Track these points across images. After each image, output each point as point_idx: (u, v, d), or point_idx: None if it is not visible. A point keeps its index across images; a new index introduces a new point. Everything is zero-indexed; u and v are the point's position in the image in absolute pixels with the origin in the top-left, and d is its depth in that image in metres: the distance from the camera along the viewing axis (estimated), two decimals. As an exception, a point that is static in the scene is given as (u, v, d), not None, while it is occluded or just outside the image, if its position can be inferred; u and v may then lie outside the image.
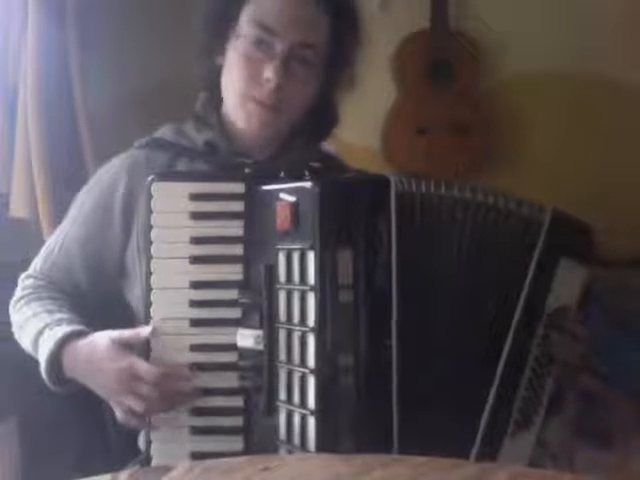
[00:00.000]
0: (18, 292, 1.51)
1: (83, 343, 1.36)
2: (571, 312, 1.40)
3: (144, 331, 1.32)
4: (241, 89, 1.43)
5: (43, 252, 1.53)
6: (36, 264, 1.53)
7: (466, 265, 1.30)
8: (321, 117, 1.51)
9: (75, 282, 1.49)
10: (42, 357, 1.38)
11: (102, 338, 1.34)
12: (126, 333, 1.34)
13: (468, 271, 1.30)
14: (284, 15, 1.41)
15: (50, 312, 1.43)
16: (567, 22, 2.76)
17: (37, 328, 1.41)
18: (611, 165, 2.81)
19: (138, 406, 1.30)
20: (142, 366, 1.30)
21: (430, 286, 1.28)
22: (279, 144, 1.48)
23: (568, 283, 1.38)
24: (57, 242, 1.51)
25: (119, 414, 1.33)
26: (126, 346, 1.32)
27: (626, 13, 2.75)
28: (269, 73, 1.39)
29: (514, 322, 1.31)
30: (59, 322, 1.40)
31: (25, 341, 1.44)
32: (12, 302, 1.50)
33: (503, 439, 1.33)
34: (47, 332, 1.39)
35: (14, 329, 1.49)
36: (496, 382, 1.30)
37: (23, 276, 1.53)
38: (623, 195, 2.78)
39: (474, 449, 1.29)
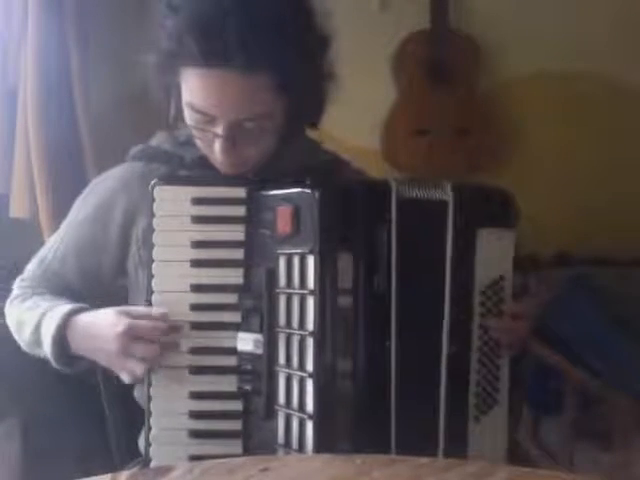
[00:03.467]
0: (15, 292, 1.51)
1: (86, 315, 1.37)
2: (507, 282, 1.38)
3: (155, 311, 1.31)
4: (201, 148, 1.37)
5: (36, 260, 1.52)
6: (29, 270, 1.53)
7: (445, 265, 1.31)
8: (309, 106, 1.41)
9: (70, 289, 1.49)
10: (46, 337, 1.37)
11: (106, 309, 1.35)
12: (134, 307, 1.34)
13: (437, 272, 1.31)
14: (213, 99, 1.28)
15: (50, 301, 1.43)
16: (567, 22, 2.76)
17: (39, 314, 1.41)
18: (611, 164, 2.81)
19: (140, 368, 1.30)
20: (143, 324, 1.29)
21: (428, 290, 1.29)
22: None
23: (495, 253, 1.36)
24: (51, 251, 1.50)
25: (125, 377, 1.33)
26: (127, 313, 1.32)
27: (626, 13, 2.75)
28: (217, 151, 1.32)
29: (445, 308, 1.30)
30: (61, 305, 1.40)
31: (26, 331, 1.43)
32: (8, 302, 1.50)
33: (466, 427, 1.33)
34: (49, 314, 1.39)
35: (12, 324, 1.48)
36: (442, 372, 1.30)
37: (19, 279, 1.53)
38: (623, 194, 2.78)
39: (439, 439, 1.29)
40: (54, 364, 1.40)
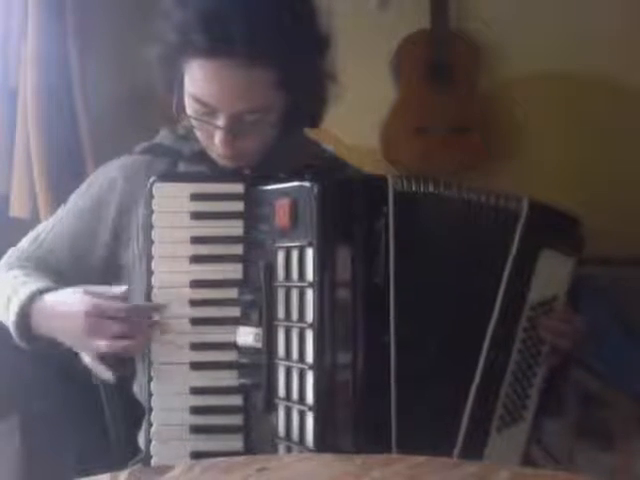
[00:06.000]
0: (3, 260, 1.51)
1: (52, 294, 1.36)
2: (559, 303, 1.39)
3: (116, 289, 1.32)
4: (201, 139, 1.39)
5: (30, 237, 1.53)
6: (22, 245, 1.53)
7: (457, 262, 1.32)
8: (309, 104, 1.43)
9: (58, 272, 1.48)
10: (12, 313, 1.37)
11: (71, 289, 1.34)
12: (98, 287, 1.34)
13: (459, 268, 1.31)
14: (215, 89, 1.30)
15: (29, 276, 1.43)
16: (567, 22, 2.76)
17: (13, 286, 1.40)
18: (611, 165, 2.81)
19: (108, 347, 1.28)
20: (109, 303, 1.29)
21: (427, 283, 1.29)
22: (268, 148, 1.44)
23: (553, 275, 1.38)
24: (45, 231, 1.51)
25: (90, 360, 1.32)
26: (94, 293, 1.32)
27: (626, 13, 2.75)
28: (217, 143, 1.34)
29: (493, 316, 1.32)
30: (36, 282, 1.40)
31: (1, 298, 1.43)
32: None
33: (488, 435, 1.33)
34: (22, 289, 1.39)
35: None
36: (476, 378, 1.31)
37: (11, 250, 1.53)
38: (623, 194, 2.78)
39: (457, 444, 1.30)
40: (16, 340, 1.39)
